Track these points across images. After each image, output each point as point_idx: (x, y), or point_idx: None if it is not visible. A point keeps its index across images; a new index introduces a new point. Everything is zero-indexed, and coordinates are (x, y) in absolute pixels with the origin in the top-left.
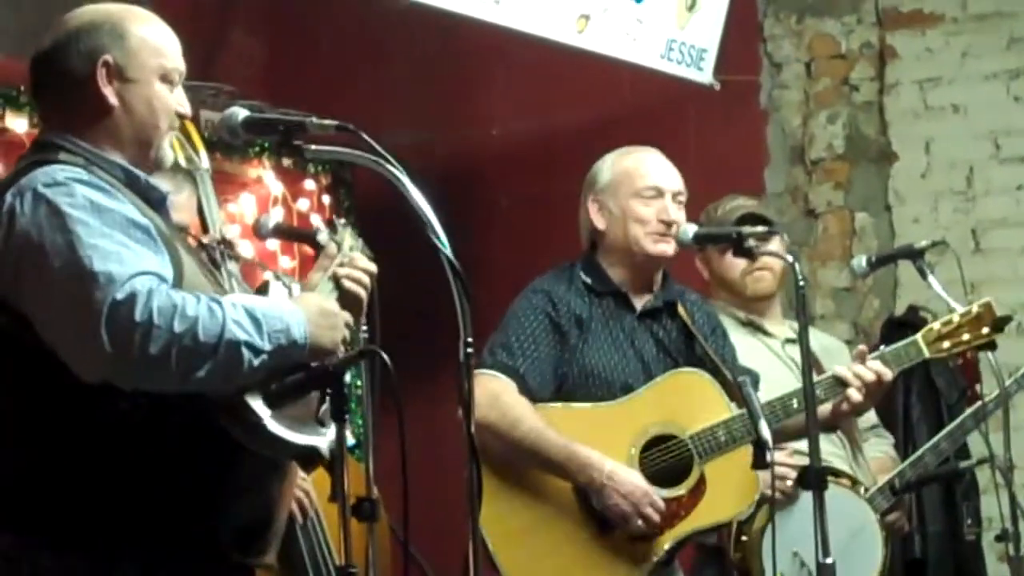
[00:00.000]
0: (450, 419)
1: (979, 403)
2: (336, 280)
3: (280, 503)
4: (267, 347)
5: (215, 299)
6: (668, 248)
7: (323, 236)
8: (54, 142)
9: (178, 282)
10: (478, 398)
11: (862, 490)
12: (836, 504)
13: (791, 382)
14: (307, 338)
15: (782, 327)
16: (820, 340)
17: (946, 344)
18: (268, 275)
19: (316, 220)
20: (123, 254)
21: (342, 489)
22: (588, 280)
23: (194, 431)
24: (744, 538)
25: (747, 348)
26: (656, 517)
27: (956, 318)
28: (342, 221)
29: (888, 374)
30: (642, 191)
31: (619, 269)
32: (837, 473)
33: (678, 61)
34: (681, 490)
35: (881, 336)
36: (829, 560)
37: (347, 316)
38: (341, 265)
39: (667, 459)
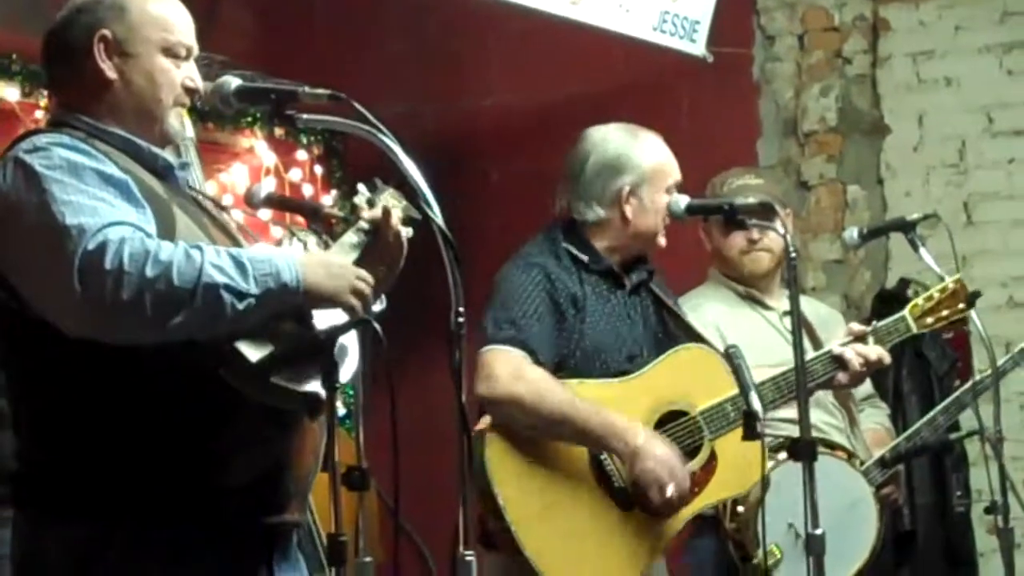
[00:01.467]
0: (441, 389)
1: (977, 377)
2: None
3: (292, 455)
4: (254, 290)
5: (195, 245)
6: (664, 239)
7: (360, 198)
8: (63, 120)
9: (167, 237)
10: (499, 373)
11: (857, 463)
12: (832, 476)
13: (788, 354)
14: (300, 281)
15: (780, 300)
16: (816, 309)
17: (929, 320)
18: (284, 233)
19: (308, 191)
20: (99, 207)
21: (332, 458)
22: (581, 256)
23: (188, 389)
24: (739, 508)
25: (745, 321)
26: (688, 483)
27: (936, 294)
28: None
29: (888, 358)
30: (671, 187)
31: (614, 249)
32: (833, 446)
33: (671, 33)
34: (695, 467)
35: (872, 308)
36: (819, 531)
37: (361, 272)
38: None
39: (679, 436)
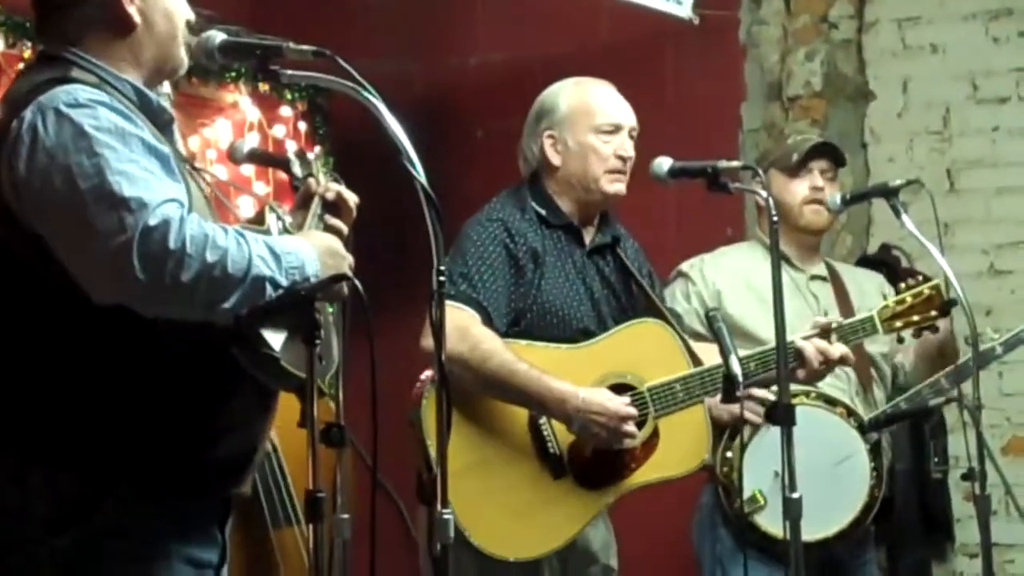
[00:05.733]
0: (417, 349)
1: (988, 344)
2: (322, 216)
3: (262, 439)
4: (284, 282)
5: (240, 232)
6: (623, 187)
7: (296, 165)
8: (63, 56)
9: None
10: (446, 330)
11: (854, 421)
12: (828, 430)
13: (807, 315)
14: (318, 273)
15: (814, 265)
16: (854, 276)
17: (898, 323)
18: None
19: (291, 147)
20: (150, 180)
21: (311, 414)
22: (539, 210)
23: (196, 364)
24: (729, 455)
25: (768, 278)
26: (633, 431)
27: (909, 298)
28: (315, 152)
29: (852, 358)
30: (601, 126)
31: (568, 203)
32: (834, 402)
33: None
34: (636, 441)
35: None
36: (796, 495)
37: (351, 258)
38: (325, 200)
39: None
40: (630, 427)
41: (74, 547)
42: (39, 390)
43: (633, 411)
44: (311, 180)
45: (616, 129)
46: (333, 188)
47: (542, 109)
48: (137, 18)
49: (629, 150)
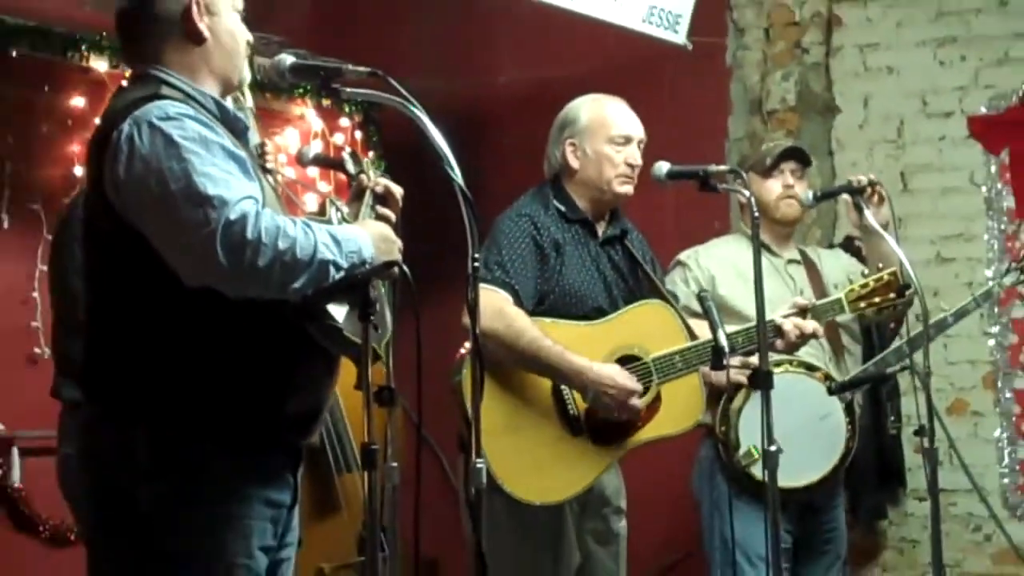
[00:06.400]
0: (458, 323)
1: (940, 315)
2: (374, 207)
3: (327, 398)
4: (344, 264)
5: (306, 223)
6: (631, 189)
7: (350, 164)
8: (153, 75)
9: (263, 205)
10: (483, 309)
11: (830, 384)
12: (808, 394)
13: (786, 296)
14: (373, 256)
15: (789, 250)
16: (836, 261)
17: (862, 304)
18: (327, 202)
19: (346, 151)
20: (230, 181)
21: (366, 379)
22: (560, 207)
23: (276, 334)
24: (727, 415)
25: (750, 264)
26: (638, 406)
27: (871, 283)
28: (368, 156)
29: (821, 332)
30: (615, 138)
31: (584, 201)
32: (813, 368)
33: (657, 24)
34: (642, 404)
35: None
36: (775, 448)
37: (400, 242)
38: (376, 194)
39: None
40: (636, 401)
41: (169, 490)
42: (139, 360)
43: (639, 387)
44: (363, 176)
45: (627, 141)
46: (381, 182)
47: (565, 120)
48: (206, 32)
49: (638, 159)
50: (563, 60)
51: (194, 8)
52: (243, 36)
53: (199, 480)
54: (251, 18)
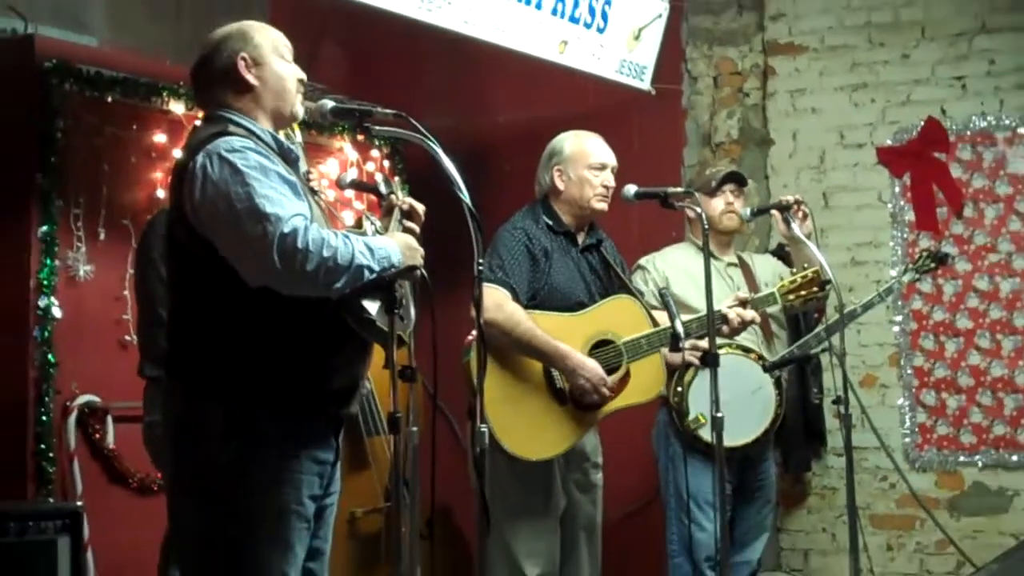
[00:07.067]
0: (466, 315)
1: (852, 307)
2: (401, 221)
3: (362, 375)
4: (376, 268)
5: (346, 235)
6: (606, 206)
7: (382, 186)
8: (221, 115)
9: (311, 220)
10: (487, 304)
11: (763, 363)
12: (744, 371)
13: (727, 292)
14: (401, 261)
15: (729, 255)
16: (765, 266)
17: (791, 296)
18: (363, 216)
19: (378, 176)
20: (284, 201)
21: (392, 360)
22: (548, 221)
23: (322, 324)
24: (680, 388)
25: (698, 266)
26: (607, 393)
27: (799, 279)
28: (396, 180)
29: (759, 319)
30: (593, 165)
31: (568, 216)
32: (749, 350)
33: (627, 74)
34: (614, 379)
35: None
36: (720, 414)
37: (422, 250)
38: (402, 210)
39: (605, 358)
40: (604, 389)
41: (238, 453)
42: (212, 346)
43: (608, 379)
44: (392, 196)
45: (603, 167)
46: (407, 201)
47: (552, 151)
48: (254, 81)
49: (611, 182)
50: (551, 103)
51: (240, 63)
52: (293, 75)
53: (260, 443)
54: (301, 69)
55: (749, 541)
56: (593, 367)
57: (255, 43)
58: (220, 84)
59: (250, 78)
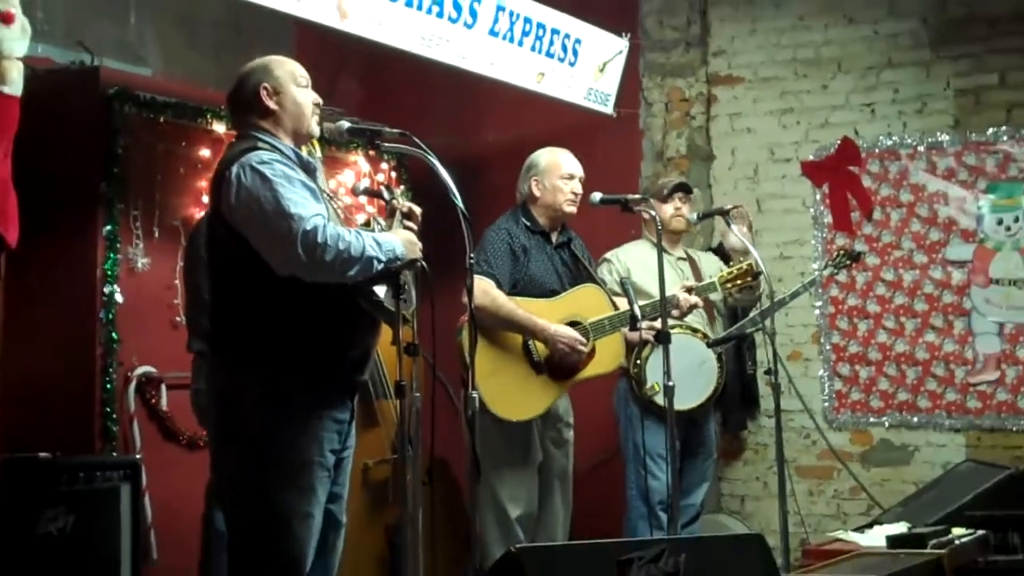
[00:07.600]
0: (459, 300)
1: (782, 295)
2: (402, 222)
3: (373, 348)
4: (384, 259)
5: (358, 232)
6: (575, 209)
7: (386, 193)
8: (251, 134)
9: (328, 220)
10: (476, 292)
11: (706, 341)
12: (691, 347)
13: (677, 281)
14: (404, 254)
15: (678, 251)
16: (715, 261)
17: (729, 285)
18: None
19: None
20: (306, 203)
21: (398, 337)
22: (527, 223)
23: (339, 306)
24: (638, 361)
25: (653, 259)
26: (584, 349)
27: (735, 270)
28: (398, 189)
29: (701, 304)
30: (564, 175)
31: (543, 218)
32: (695, 330)
33: (594, 101)
34: (584, 350)
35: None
36: (671, 383)
37: (421, 245)
38: (403, 212)
39: None
40: (580, 347)
41: (274, 416)
42: (248, 325)
43: (582, 339)
44: (395, 201)
45: (572, 177)
46: (407, 205)
47: (530, 164)
48: (274, 106)
49: (579, 190)
50: (530, 124)
51: (262, 92)
52: (309, 100)
53: (289, 406)
54: (321, 95)
55: (694, 488)
56: (567, 331)
57: (275, 75)
58: (248, 109)
59: (271, 104)
